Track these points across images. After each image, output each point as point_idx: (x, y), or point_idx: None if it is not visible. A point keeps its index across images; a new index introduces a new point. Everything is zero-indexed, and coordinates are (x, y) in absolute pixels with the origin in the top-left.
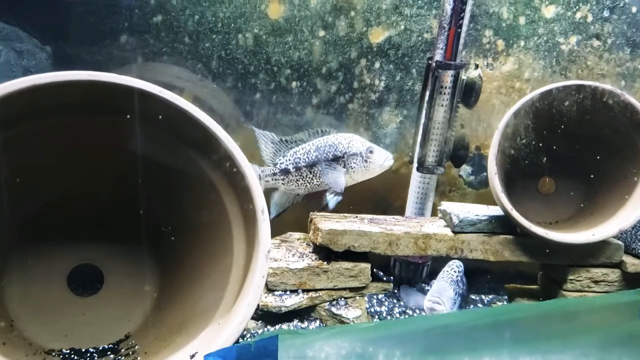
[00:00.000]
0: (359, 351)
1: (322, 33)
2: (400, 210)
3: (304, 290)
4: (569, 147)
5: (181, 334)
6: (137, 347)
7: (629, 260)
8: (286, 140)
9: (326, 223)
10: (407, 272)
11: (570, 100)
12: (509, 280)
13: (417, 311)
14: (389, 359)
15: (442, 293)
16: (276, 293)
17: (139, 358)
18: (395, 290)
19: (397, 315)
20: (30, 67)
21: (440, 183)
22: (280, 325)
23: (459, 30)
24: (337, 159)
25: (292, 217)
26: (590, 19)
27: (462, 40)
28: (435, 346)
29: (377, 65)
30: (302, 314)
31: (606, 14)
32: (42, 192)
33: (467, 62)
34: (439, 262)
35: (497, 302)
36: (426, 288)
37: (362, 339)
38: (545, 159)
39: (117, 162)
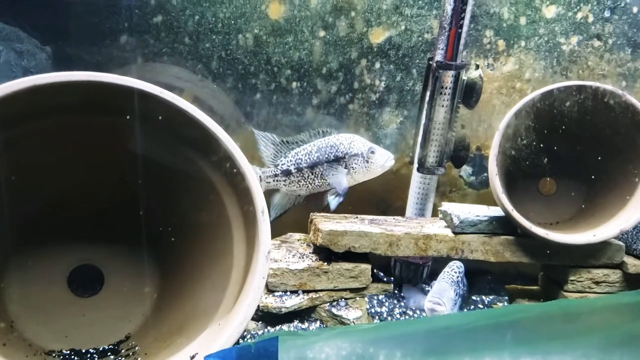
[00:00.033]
0: (360, 352)
1: (322, 33)
2: (400, 211)
3: (304, 291)
4: (570, 148)
5: (181, 335)
6: (137, 348)
7: (630, 261)
8: (287, 142)
9: (326, 224)
10: (407, 273)
11: (571, 100)
12: (510, 281)
13: (418, 312)
14: None
15: (442, 294)
16: (276, 294)
17: (139, 359)
18: (396, 291)
19: (398, 316)
20: (30, 68)
21: (441, 184)
22: (280, 326)
23: (460, 30)
24: (338, 160)
25: (292, 218)
26: (591, 19)
27: (462, 41)
28: (436, 347)
29: (377, 65)
30: (302, 314)
31: (607, 14)
32: (42, 192)
33: (467, 63)
34: (439, 263)
35: (498, 303)
36: (427, 289)
37: (363, 339)
38: (546, 159)
39: (117, 163)
